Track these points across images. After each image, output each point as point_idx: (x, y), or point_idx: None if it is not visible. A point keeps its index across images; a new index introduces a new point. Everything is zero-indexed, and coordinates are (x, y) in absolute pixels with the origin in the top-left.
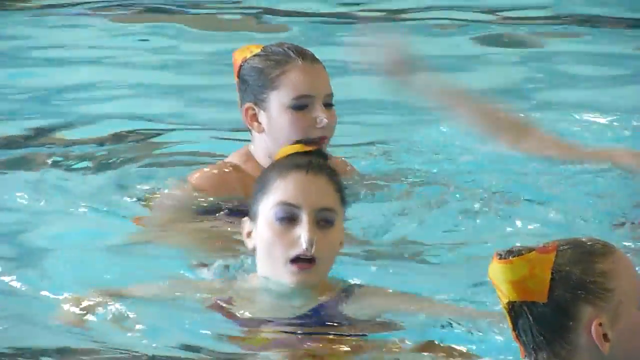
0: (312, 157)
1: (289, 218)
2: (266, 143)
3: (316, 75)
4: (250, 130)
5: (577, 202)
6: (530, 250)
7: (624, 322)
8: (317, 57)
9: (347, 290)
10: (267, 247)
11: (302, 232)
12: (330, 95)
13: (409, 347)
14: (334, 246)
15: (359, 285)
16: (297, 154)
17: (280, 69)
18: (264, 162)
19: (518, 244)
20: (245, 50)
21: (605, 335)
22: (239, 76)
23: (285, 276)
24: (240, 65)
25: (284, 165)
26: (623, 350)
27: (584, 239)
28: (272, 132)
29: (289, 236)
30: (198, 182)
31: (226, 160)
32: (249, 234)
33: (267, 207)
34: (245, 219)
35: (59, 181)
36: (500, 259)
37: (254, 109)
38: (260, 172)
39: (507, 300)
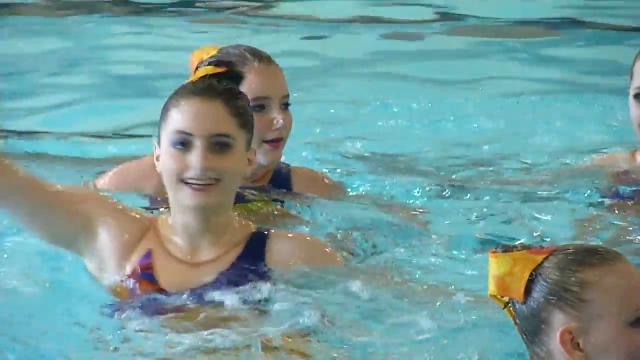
0: (213, 81)
1: (183, 144)
2: None
3: (273, 77)
4: None
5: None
6: (524, 248)
7: (604, 335)
8: (273, 58)
9: (259, 235)
10: (167, 171)
11: (194, 158)
12: (287, 96)
13: None
14: (234, 169)
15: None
16: (200, 79)
17: None
18: None
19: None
20: (203, 51)
21: (578, 344)
22: None
23: (185, 198)
24: (197, 67)
25: (181, 92)
26: None
27: (587, 247)
28: None
29: (184, 161)
30: (100, 182)
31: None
32: (157, 158)
33: (166, 134)
34: (155, 142)
35: None
36: (492, 251)
37: None
38: None
39: (489, 293)
